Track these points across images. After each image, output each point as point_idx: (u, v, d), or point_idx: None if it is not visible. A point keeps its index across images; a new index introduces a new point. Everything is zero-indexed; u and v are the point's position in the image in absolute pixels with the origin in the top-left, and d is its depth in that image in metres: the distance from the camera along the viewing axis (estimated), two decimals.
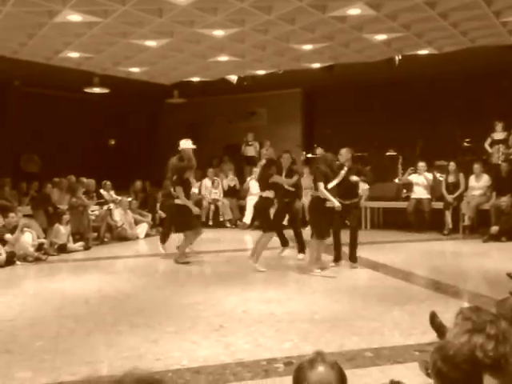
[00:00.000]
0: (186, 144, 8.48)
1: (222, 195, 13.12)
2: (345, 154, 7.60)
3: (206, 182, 13.06)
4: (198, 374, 3.83)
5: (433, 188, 11.26)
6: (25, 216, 9.68)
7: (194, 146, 8.55)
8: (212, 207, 12.87)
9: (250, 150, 14.22)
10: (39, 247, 8.88)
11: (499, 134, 11.22)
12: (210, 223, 12.68)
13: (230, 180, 13.51)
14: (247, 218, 12.27)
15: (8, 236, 8.46)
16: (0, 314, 5.52)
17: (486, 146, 11.35)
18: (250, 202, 11.67)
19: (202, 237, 8.63)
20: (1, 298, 6.18)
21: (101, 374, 3.78)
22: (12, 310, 5.64)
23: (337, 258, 7.68)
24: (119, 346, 4.42)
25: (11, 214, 8.84)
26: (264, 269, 7.39)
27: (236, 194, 13.28)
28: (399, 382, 2.07)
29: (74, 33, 8.39)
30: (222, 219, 12.88)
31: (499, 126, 11.21)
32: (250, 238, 10.44)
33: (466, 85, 12.53)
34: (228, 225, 12.81)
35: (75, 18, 7.57)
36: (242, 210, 12.79)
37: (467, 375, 1.99)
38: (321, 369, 1.77)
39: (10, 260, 8.15)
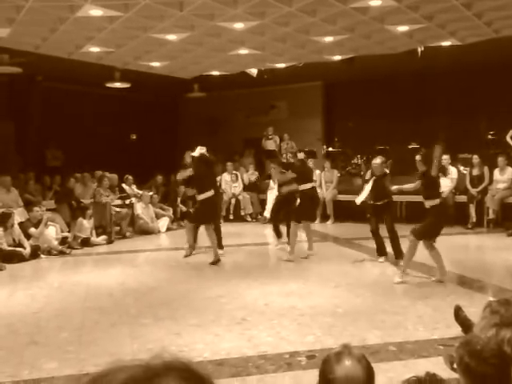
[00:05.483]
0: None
1: (242, 189, 13.13)
2: (379, 167, 7.61)
3: (226, 176, 13.07)
4: (220, 366, 3.85)
5: (456, 181, 11.09)
6: (48, 210, 9.82)
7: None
8: (233, 201, 12.89)
9: (270, 144, 14.18)
10: (63, 241, 9.02)
11: None
12: (231, 217, 12.72)
13: (251, 174, 13.49)
14: (268, 211, 12.25)
15: (32, 230, 8.60)
16: (26, 306, 5.62)
17: (508, 138, 11.09)
18: (271, 195, 11.68)
19: (223, 231, 8.61)
20: (26, 291, 6.28)
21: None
22: (37, 303, 5.73)
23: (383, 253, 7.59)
24: (143, 338, 4.46)
25: (35, 208, 8.99)
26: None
27: (256, 187, 13.28)
28: (435, 374, 2.04)
29: (95, 27, 8.43)
30: (242, 213, 12.90)
31: None
32: (270, 231, 10.41)
33: (491, 76, 12.29)
34: (249, 219, 12.82)
35: (96, 12, 7.61)
36: (262, 203, 12.78)
37: (496, 369, 1.95)
38: (348, 362, 1.75)
39: (35, 253, 8.28)
